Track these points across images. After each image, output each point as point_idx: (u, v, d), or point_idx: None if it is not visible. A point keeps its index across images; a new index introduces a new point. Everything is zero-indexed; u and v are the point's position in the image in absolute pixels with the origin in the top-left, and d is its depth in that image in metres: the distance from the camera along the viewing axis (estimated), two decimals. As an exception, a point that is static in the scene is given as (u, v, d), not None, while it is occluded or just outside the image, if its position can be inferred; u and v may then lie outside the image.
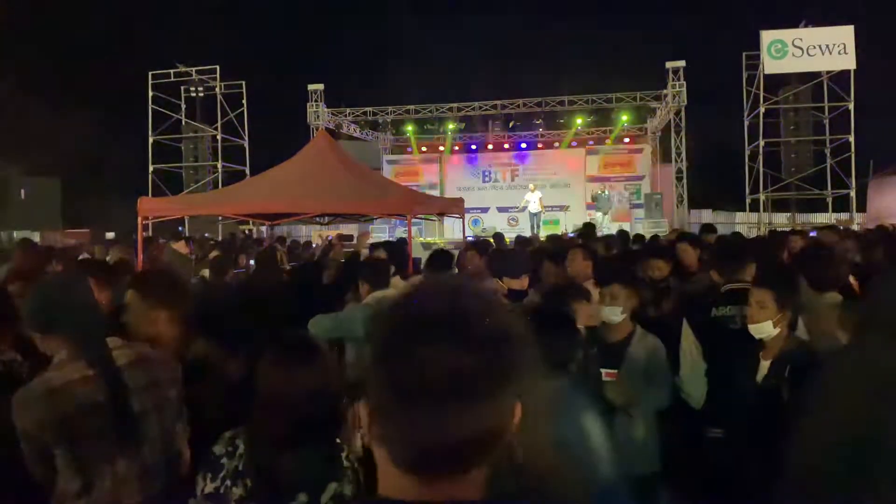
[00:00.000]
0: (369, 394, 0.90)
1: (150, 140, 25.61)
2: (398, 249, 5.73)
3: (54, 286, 2.64)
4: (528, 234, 15.17)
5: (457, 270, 5.95)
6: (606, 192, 21.02)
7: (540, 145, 25.52)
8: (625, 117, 23.50)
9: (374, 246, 6.73)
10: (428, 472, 0.88)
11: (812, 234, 7.87)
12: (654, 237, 10.46)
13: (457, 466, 0.88)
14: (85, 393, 2.26)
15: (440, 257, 5.44)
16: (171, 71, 25.54)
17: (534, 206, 19.75)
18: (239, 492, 2.08)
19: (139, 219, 9.95)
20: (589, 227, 10.65)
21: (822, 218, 23.27)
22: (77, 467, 2.24)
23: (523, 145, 25.37)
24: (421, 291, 0.93)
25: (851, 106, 21.17)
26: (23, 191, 40.14)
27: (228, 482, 2.10)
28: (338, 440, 2.22)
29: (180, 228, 21.76)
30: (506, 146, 25.56)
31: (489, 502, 0.92)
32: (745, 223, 22.43)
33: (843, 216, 22.38)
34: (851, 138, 21.42)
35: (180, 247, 9.86)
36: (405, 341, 0.86)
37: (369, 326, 0.93)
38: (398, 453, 0.89)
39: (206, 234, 20.25)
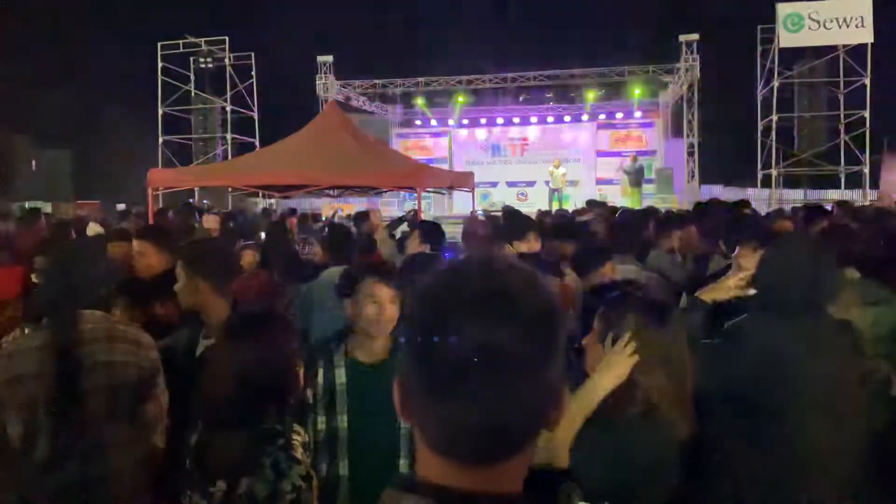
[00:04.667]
0: (403, 374, 0.88)
1: (160, 112, 25.57)
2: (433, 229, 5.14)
3: (52, 256, 2.76)
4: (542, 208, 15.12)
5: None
6: (639, 164, 19.89)
7: (550, 119, 25.26)
8: (637, 91, 23.23)
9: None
10: (463, 458, 0.84)
11: (828, 207, 7.86)
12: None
13: (493, 453, 0.84)
14: (31, 361, 2.30)
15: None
16: (181, 42, 25.38)
17: (557, 182, 19.27)
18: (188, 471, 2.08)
19: (149, 190, 9.99)
20: (593, 203, 10.69)
21: (834, 194, 23.02)
22: (22, 434, 2.27)
23: (533, 119, 25.09)
24: (457, 267, 0.89)
25: (867, 80, 20.81)
26: (34, 162, 40.27)
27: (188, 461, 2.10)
28: (279, 427, 2.03)
29: (190, 200, 21.78)
30: (516, 120, 25.29)
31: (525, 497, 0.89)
32: (757, 199, 22.21)
33: (856, 193, 22.14)
34: (866, 113, 21.07)
35: (210, 221, 8.69)
36: (441, 319, 0.82)
37: (407, 304, 0.89)
38: (433, 436, 0.86)
39: (205, 202, 20.20)
